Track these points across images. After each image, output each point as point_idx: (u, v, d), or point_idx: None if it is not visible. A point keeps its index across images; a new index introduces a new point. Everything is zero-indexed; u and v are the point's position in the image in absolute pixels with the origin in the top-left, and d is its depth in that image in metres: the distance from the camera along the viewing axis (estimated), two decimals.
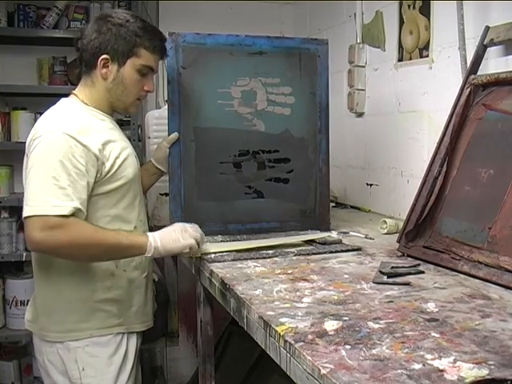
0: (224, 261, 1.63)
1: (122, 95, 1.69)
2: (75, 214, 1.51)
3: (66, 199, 1.49)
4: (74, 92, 1.72)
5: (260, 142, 2.00)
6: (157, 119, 2.38)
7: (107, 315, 1.67)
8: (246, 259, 1.65)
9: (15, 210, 3.00)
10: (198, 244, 1.64)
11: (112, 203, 1.65)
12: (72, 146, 1.53)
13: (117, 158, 1.63)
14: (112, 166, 1.62)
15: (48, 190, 1.48)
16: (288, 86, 2.01)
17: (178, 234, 1.62)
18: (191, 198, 1.93)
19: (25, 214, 1.48)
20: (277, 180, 2.01)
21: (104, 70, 1.66)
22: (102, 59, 1.65)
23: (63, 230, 1.47)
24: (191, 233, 1.63)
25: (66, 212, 1.47)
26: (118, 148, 1.65)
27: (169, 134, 1.93)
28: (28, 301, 2.87)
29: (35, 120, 2.92)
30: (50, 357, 1.67)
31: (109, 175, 1.62)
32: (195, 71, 1.93)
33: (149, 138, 2.38)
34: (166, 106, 2.49)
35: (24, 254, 2.95)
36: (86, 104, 1.68)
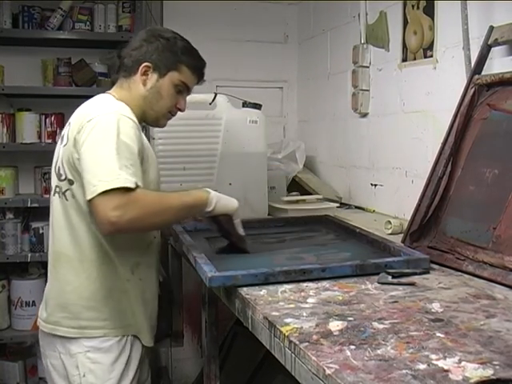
0: None
1: (156, 105, 1.69)
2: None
3: (133, 176, 1.44)
4: (110, 92, 1.71)
5: None
6: None
7: (122, 316, 1.65)
8: None
9: (20, 210, 3.01)
10: None
11: None
12: (131, 126, 1.53)
13: (148, 147, 1.67)
14: (146, 154, 1.63)
15: (116, 164, 1.43)
16: None
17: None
18: None
19: (101, 188, 1.39)
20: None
21: (143, 77, 1.67)
22: (144, 66, 1.66)
23: (136, 203, 1.43)
24: None
25: (134, 185, 1.43)
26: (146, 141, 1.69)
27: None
28: (33, 301, 2.92)
29: (40, 121, 2.97)
30: (53, 361, 1.66)
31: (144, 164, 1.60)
32: None
33: (153, 138, 2.38)
34: None
35: (29, 255, 2.96)
36: None
